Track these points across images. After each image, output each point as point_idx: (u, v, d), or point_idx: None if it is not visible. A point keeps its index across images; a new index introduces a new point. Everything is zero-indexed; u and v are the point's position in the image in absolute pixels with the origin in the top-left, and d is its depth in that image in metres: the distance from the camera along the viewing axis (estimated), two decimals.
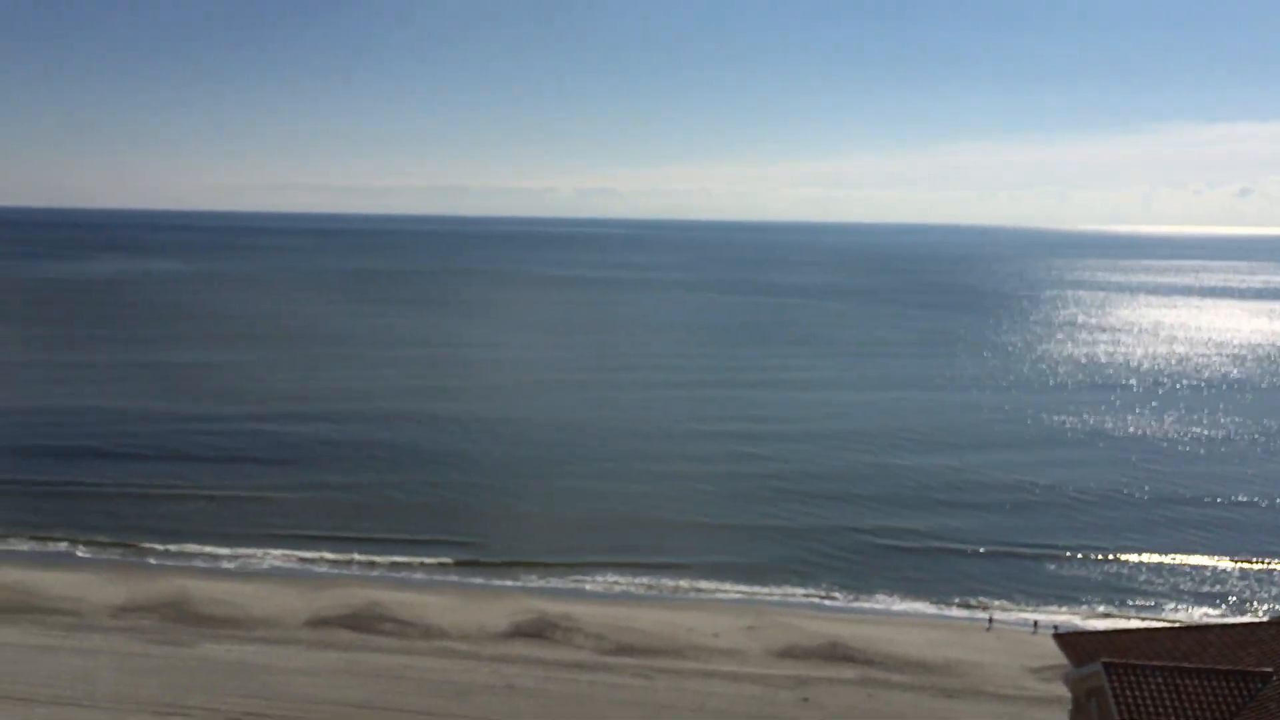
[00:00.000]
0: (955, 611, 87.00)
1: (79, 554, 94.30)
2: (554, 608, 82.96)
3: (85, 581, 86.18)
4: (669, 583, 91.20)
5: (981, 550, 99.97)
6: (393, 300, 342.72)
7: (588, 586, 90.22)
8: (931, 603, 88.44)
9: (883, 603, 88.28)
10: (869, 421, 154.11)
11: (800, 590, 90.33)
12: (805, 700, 67.67)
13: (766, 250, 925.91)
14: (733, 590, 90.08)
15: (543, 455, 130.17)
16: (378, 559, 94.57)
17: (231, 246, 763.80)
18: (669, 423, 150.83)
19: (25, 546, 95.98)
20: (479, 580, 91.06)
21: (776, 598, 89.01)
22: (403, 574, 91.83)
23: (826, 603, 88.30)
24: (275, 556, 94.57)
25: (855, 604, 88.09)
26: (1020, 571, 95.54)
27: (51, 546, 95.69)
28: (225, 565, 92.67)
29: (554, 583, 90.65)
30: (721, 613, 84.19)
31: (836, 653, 75.46)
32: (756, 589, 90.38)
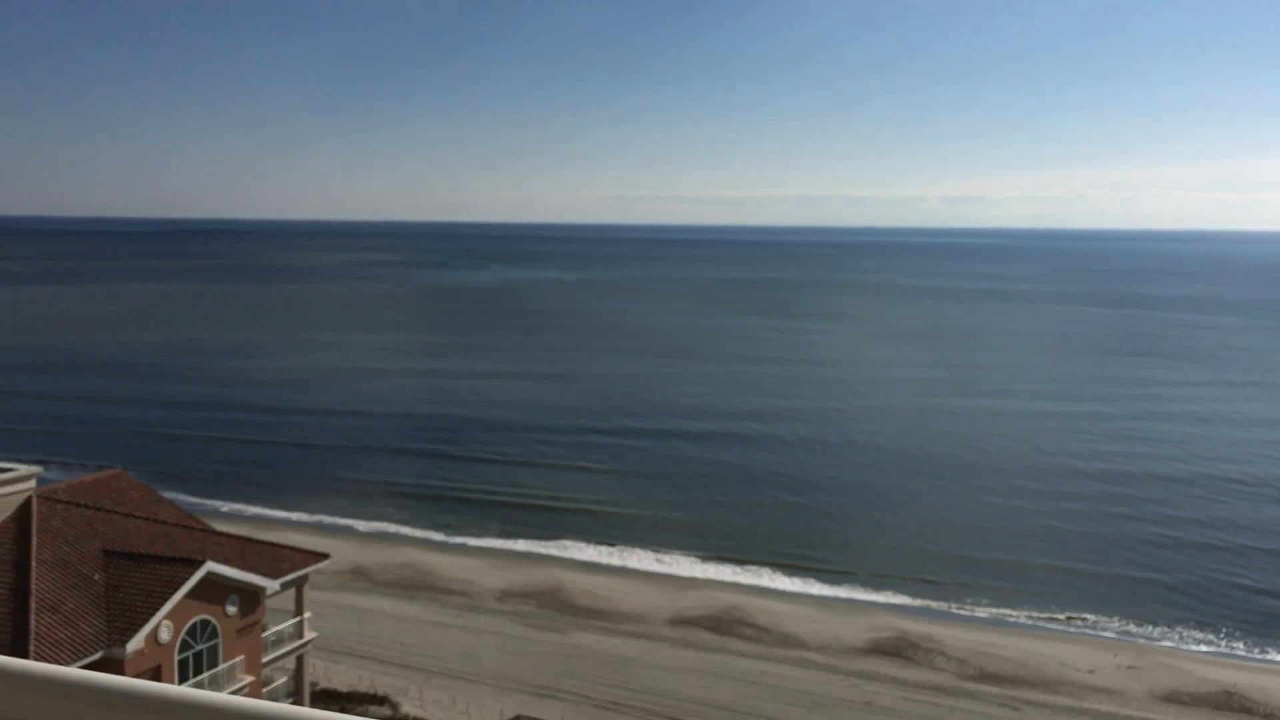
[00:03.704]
0: None
1: (469, 543, 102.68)
2: (915, 627, 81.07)
3: (475, 566, 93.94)
4: (1037, 613, 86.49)
5: None
6: (759, 311, 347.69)
7: (950, 609, 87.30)
8: None
9: None
10: (1272, 464, 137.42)
11: (1188, 633, 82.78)
12: None
13: (1153, 261, 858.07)
14: (1108, 626, 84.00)
15: (906, 481, 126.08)
16: (738, 566, 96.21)
17: (609, 257, 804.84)
18: (1038, 453, 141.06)
19: (422, 534, 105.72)
20: (838, 593, 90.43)
21: (1160, 640, 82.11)
22: (762, 581, 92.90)
23: (1219, 649, 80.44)
24: (642, 557, 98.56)
25: (1253, 654, 79.64)
26: None
27: (449, 537, 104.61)
28: (596, 561, 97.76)
29: (915, 602, 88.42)
30: (1097, 648, 78.89)
31: (1232, 702, 68.67)
32: (1136, 627, 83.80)
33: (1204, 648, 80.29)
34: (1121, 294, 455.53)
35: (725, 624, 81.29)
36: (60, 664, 40.95)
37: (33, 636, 41.35)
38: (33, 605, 42.58)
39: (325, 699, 64.56)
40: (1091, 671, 73.67)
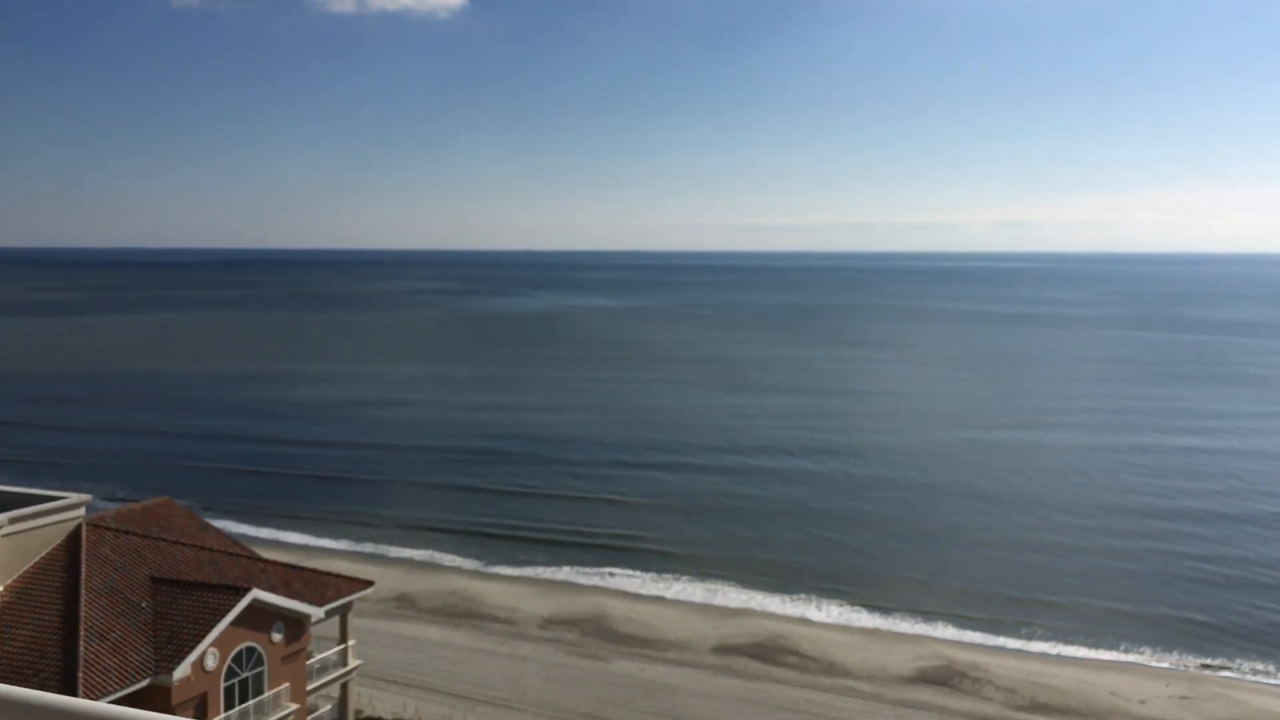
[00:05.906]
0: None
1: (513, 571, 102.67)
2: (962, 656, 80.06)
3: (518, 594, 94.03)
4: (1088, 644, 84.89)
5: None
6: (804, 339, 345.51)
7: (998, 640, 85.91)
8: None
9: None
10: None
11: (1243, 664, 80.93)
12: None
13: (1204, 284, 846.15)
14: (1160, 658, 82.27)
15: (952, 515, 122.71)
16: (783, 597, 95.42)
17: (657, 284, 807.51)
18: (1087, 486, 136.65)
19: (466, 562, 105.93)
20: (883, 622, 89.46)
21: (1215, 671, 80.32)
22: (808, 612, 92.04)
23: (1276, 679, 78.58)
24: (685, 587, 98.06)
25: None
26: None
27: (493, 566, 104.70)
28: (639, 590, 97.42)
29: (963, 633, 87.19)
30: (1149, 678, 77.40)
31: None
32: (1189, 659, 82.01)
33: (1260, 678, 78.53)
34: (1172, 318, 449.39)
35: (770, 652, 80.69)
36: (108, 691, 41.40)
37: (82, 664, 41.93)
38: (82, 632, 43.20)
39: None
40: (1143, 702, 72.30)
